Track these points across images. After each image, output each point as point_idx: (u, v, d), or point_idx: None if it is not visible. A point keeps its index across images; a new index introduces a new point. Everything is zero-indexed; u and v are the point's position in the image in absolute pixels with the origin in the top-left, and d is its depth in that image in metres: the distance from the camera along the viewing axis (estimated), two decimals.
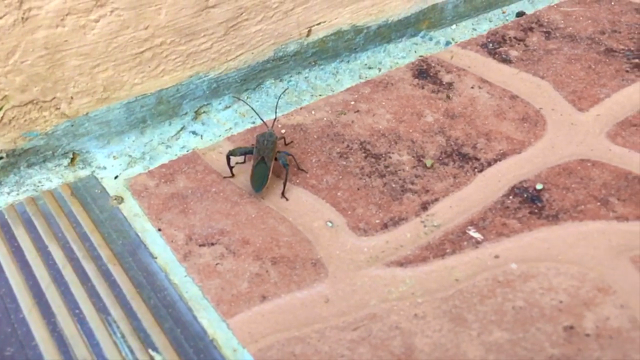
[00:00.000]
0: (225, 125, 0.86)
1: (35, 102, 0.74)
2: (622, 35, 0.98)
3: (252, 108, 0.86)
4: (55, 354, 0.58)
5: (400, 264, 0.66)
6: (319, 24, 0.90)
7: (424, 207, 0.72)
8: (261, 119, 0.82)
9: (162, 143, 0.83)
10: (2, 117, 0.73)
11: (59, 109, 0.76)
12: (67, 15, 0.71)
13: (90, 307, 0.63)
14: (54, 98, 0.75)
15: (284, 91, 0.89)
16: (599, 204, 0.71)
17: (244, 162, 0.79)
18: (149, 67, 0.79)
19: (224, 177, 0.77)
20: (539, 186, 0.73)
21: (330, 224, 0.71)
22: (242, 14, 0.83)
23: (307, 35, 0.90)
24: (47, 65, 0.72)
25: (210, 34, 0.82)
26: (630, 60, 0.92)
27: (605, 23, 1.01)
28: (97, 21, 0.73)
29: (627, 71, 0.90)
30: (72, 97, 0.76)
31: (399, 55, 0.97)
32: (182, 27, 0.79)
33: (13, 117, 0.74)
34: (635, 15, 1.02)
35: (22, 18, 0.68)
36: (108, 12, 0.73)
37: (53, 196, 0.75)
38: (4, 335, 0.60)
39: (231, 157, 0.76)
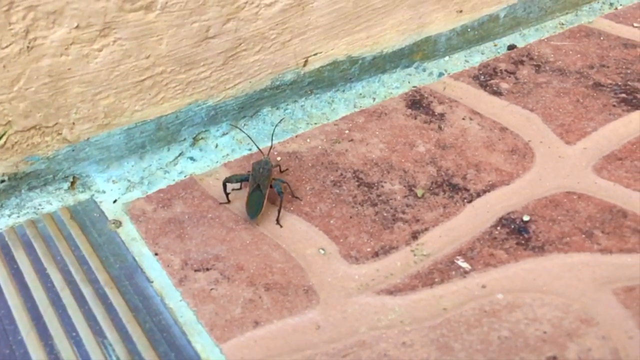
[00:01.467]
0: (222, 151, 0.88)
1: (37, 127, 0.76)
2: (610, 70, 1.00)
3: (249, 136, 0.88)
4: None
5: (390, 292, 0.68)
6: (315, 54, 0.93)
7: (414, 236, 0.74)
8: (257, 147, 0.84)
9: (161, 168, 0.85)
10: (5, 142, 0.75)
11: (61, 134, 0.78)
12: (71, 44, 0.73)
13: (87, 330, 0.64)
14: (56, 124, 0.77)
15: (281, 120, 0.91)
16: (583, 236, 0.73)
17: (240, 188, 0.81)
18: (150, 94, 0.82)
19: (220, 203, 0.79)
20: (526, 218, 0.75)
21: (322, 251, 0.73)
22: (240, 44, 0.85)
23: (304, 65, 0.93)
24: (50, 92, 0.75)
25: (209, 63, 0.84)
26: (617, 94, 0.95)
27: (594, 57, 1.04)
28: (100, 50, 0.75)
29: (614, 105, 0.93)
30: (74, 123, 0.78)
31: (393, 86, 1.00)
32: (183, 57, 0.81)
33: (16, 142, 0.76)
34: (623, 50, 1.05)
35: (28, 47, 0.71)
36: (111, 41, 0.75)
37: (53, 219, 0.77)
38: (2, 356, 0.62)
39: (227, 183, 0.78)
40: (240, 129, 0.90)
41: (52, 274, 0.70)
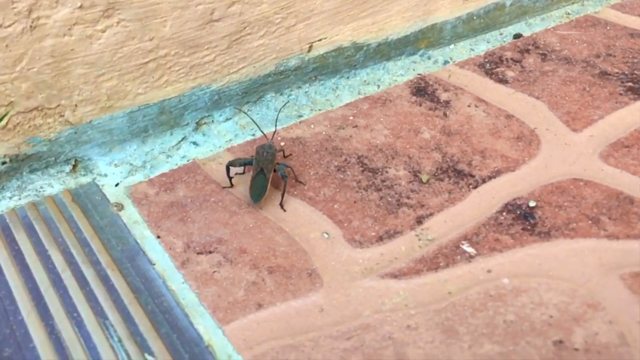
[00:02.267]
0: (225, 136, 0.87)
1: (40, 108, 0.75)
2: (616, 59, 1.00)
3: (253, 120, 0.87)
4: (52, 356, 0.59)
5: (395, 276, 0.67)
6: (320, 40, 0.92)
7: (419, 221, 0.73)
8: (261, 131, 0.84)
9: (163, 152, 0.84)
10: (6, 123, 0.74)
11: (63, 116, 0.78)
12: (74, 24, 0.72)
13: (89, 311, 0.64)
14: (58, 105, 0.76)
15: (284, 105, 0.91)
16: (590, 222, 0.72)
17: (243, 172, 0.80)
18: (153, 77, 0.81)
19: (223, 187, 0.78)
20: (532, 203, 0.75)
21: (326, 235, 0.72)
22: (245, 28, 0.84)
23: (308, 51, 0.92)
24: (53, 73, 0.74)
25: (213, 47, 0.83)
26: (623, 83, 0.94)
27: (601, 47, 1.03)
28: (103, 31, 0.74)
29: (620, 94, 0.92)
30: (76, 105, 0.78)
31: (398, 73, 0.99)
32: (187, 40, 0.81)
33: (18, 123, 0.75)
34: (629, 39, 1.05)
35: (31, 26, 0.70)
36: (114, 22, 0.75)
37: (54, 202, 0.76)
38: (2, 336, 0.61)
39: (231, 167, 0.77)
40: (245, 113, 0.89)
41: (53, 256, 0.69)
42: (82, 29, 0.73)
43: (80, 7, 0.72)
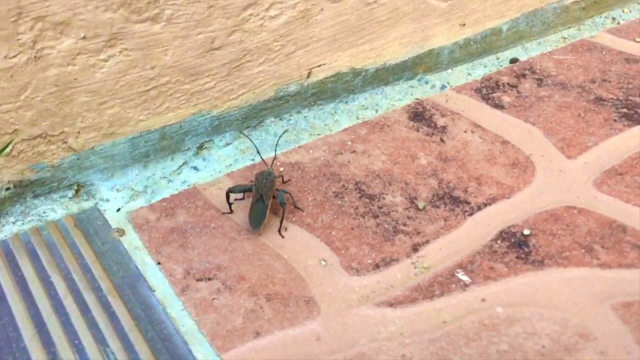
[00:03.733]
0: (225, 161, 0.89)
1: (43, 136, 0.77)
2: (611, 84, 1.01)
3: (254, 144, 0.88)
4: None
5: (390, 304, 0.68)
6: (319, 66, 0.94)
7: (415, 248, 0.75)
8: (261, 158, 0.85)
9: (164, 177, 0.86)
10: (11, 150, 0.76)
11: (66, 142, 0.79)
12: (77, 54, 0.74)
13: (90, 338, 0.65)
14: (62, 132, 0.78)
15: (284, 132, 0.92)
16: (583, 250, 0.73)
17: (243, 198, 0.82)
18: (154, 104, 0.83)
19: (223, 213, 0.80)
20: (526, 231, 0.76)
21: (324, 263, 0.73)
22: (245, 55, 0.86)
23: (307, 77, 0.94)
24: (56, 102, 0.75)
25: (214, 74, 0.85)
26: (618, 109, 0.95)
27: (596, 72, 1.04)
28: (106, 60, 0.76)
29: (615, 120, 0.93)
30: (79, 132, 0.79)
31: (396, 98, 1.01)
32: (188, 67, 0.82)
33: (22, 150, 0.77)
34: (625, 65, 1.06)
35: (35, 57, 0.72)
36: (117, 52, 0.76)
37: (57, 227, 0.78)
38: None
39: (230, 193, 0.79)
40: (247, 137, 0.91)
41: (55, 282, 0.71)
42: (86, 59, 0.75)
43: (84, 37, 0.73)
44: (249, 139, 0.91)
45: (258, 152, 0.86)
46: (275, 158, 0.85)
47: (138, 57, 0.78)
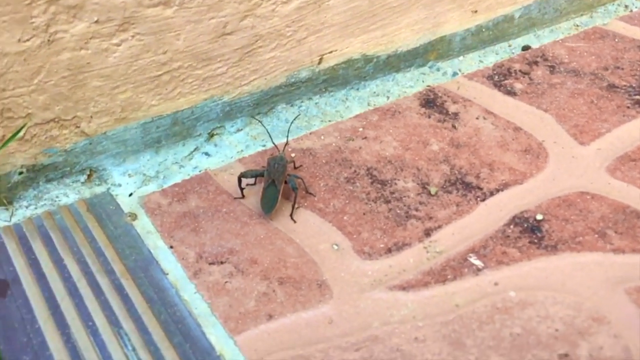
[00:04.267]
0: (237, 147, 0.89)
1: (56, 120, 0.77)
2: (624, 71, 1.01)
3: (267, 130, 0.89)
4: None
5: (403, 288, 0.68)
6: (330, 52, 0.94)
7: (427, 233, 0.75)
8: (273, 143, 0.85)
9: (176, 163, 0.86)
10: (24, 134, 0.76)
11: (79, 127, 0.79)
12: (90, 38, 0.74)
13: (103, 320, 0.65)
14: (74, 117, 0.78)
15: (296, 117, 0.92)
16: (596, 236, 0.73)
17: (254, 183, 0.82)
18: (166, 89, 0.83)
19: (235, 198, 0.80)
20: (539, 217, 0.76)
21: (336, 247, 0.73)
22: (257, 41, 0.86)
23: (319, 63, 0.93)
24: (69, 86, 0.76)
25: (226, 59, 0.85)
26: (631, 96, 0.95)
27: (609, 59, 1.04)
28: (118, 45, 0.76)
29: (628, 107, 0.93)
30: (91, 117, 0.79)
31: (407, 85, 1.00)
32: (200, 53, 0.82)
33: (35, 134, 0.77)
34: (638, 52, 1.05)
35: (48, 40, 0.72)
36: (130, 36, 0.76)
37: (69, 211, 0.78)
38: (20, 344, 0.63)
39: (242, 178, 0.79)
40: (259, 121, 0.91)
41: (69, 265, 0.71)
42: (98, 43, 0.75)
43: (97, 21, 0.73)
44: (262, 124, 0.91)
45: (270, 137, 0.86)
46: (287, 143, 0.85)
47: (150, 41, 0.78)
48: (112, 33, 0.75)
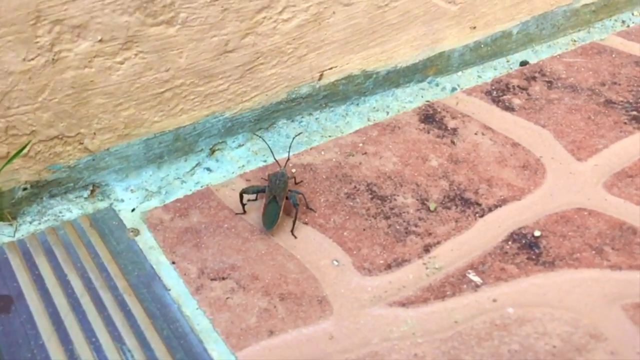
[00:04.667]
0: (238, 162, 0.90)
1: (60, 137, 0.78)
2: (621, 87, 1.02)
3: (268, 145, 0.89)
4: None
5: (402, 304, 0.69)
6: (330, 68, 0.95)
7: (427, 249, 0.75)
8: (275, 159, 0.86)
9: (178, 178, 0.87)
10: (28, 151, 0.77)
11: (82, 143, 0.80)
12: (94, 57, 0.75)
13: (107, 336, 0.66)
14: (78, 134, 0.79)
15: (298, 134, 0.93)
16: (593, 252, 0.74)
17: (256, 199, 0.83)
18: (169, 106, 0.84)
19: (236, 214, 0.81)
20: (537, 233, 0.77)
21: (336, 263, 0.74)
22: (258, 58, 0.87)
23: (319, 79, 0.95)
24: (73, 103, 0.77)
25: (227, 76, 0.86)
26: (628, 112, 0.96)
27: (606, 75, 1.05)
28: (122, 63, 0.77)
29: (625, 123, 0.94)
30: (95, 133, 0.80)
31: (407, 100, 1.02)
32: (201, 70, 0.83)
33: (39, 151, 0.78)
34: (635, 67, 1.07)
35: (53, 59, 0.73)
36: (133, 54, 0.77)
37: (73, 227, 0.79)
38: None
39: (244, 194, 0.80)
40: (260, 137, 0.92)
41: (72, 280, 0.72)
42: (102, 61, 0.76)
43: (101, 40, 0.74)
44: (263, 140, 0.92)
45: (272, 153, 0.87)
46: (288, 159, 0.86)
47: (153, 59, 0.79)
48: (115, 52, 0.76)
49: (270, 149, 0.88)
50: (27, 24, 0.69)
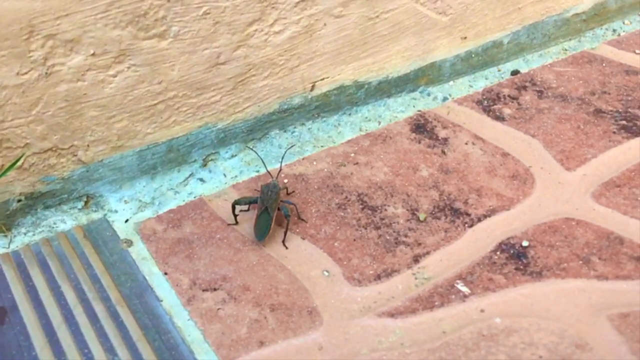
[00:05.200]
0: (231, 173, 0.91)
1: (54, 149, 0.79)
2: (611, 96, 1.03)
3: (260, 157, 0.90)
4: None
5: (391, 314, 0.70)
6: (322, 79, 0.96)
7: (416, 259, 0.76)
8: (267, 169, 0.87)
9: (171, 189, 0.88)
10: (22, 163, 0.78)
11: (76, 155, 0.81)
12: (87, 70, 0.76)
13: (99, 348, 0.67)
14: (71, 146, 0.80)
15: (291, 146, 0.94)
16: (581, 262, 0.75)
17: (248, 209, 0.83)
18: (161, 118, 0.85)
19: (228, 224, 0.82)
20: (525, 243, 0.78)
21: (326, 273, 0.75)
22: (250, 70, 0.88)
23: (311, 90, 0.96)
24: (66, 116, 0.78)
25: (219, 88, 0.87)
26: (617, 121, 0.97)
27: (596, 84, 1.06)
28: (115, 76, 0.78)
29: (614, 132, 0.95)
30: (88, 145, 0.81)
31: (398, 110, 1.03)
32: (194, 82, 0.84)
33: (33, 163, 0.79)
34: (624, 77, 1.08)
35: (46, 73, 0.74)
36: (125, 67, 0.78)
37: (67, 238, 0.80)
38: None
39: (236, 205, 0.81)
40: (252, 149, 0.93)
41: (65, 292, 0.73)
42: (95, 74, 0.77)
43: (93, 54, 0.75)
44: (255, 152, 0.93)
45: (264, 165, 0.88)
46: (280, 170, 0.87)
47: (146, 72, 0.80)
48: (108, 65, 0.77)
49: (262, 161, 0.89)
50: (21, 38, 0.70)
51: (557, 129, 0.96)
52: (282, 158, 0.90)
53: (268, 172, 0.87)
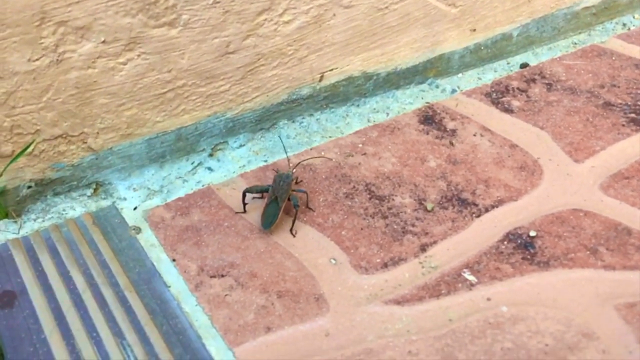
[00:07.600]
0: (239, 162, 0.91)
1: (64, 136, 0.80)
2: (620, 89, 1.02)
3: (284, 146, 0.92)
4: None
5: (398, 302, 0.70)
6: (331, 70, 0.96)
7: (423, 248, 0.76)
8: (287, 157, 0.88)
9: (180, 177, 0.88)
10: (33, 150, 0.79)
11: (86, 143, 0.82)
12: (98, 58, 0.77)
13: (107, 331, 0.67)
14: (81, 133, 0.81)
15: (298, 140, 0.94)
16: (588, 252, 0.75)
17: (262, 197, 0.84)
18: (171, 106, 0.85)
19: (236, 213, 0.82)
20: (532, 233, 0.77)
21: (333, 261, 0.75)
22: (259, 59, 0.88)
23: (320, 80, 0.96)
24: (77, 103, 0.78)
25: (229, 77, 0.87)
26: (626, 114, 0.97)
27: (605, 77, 1.06)
28: (125, 64, 0.79)
29: (623, 125, 0.94)
30: (98, 133, 0.82)
31: (407, 101, 1.03)
32: (203, 71, 0.85)
33: (43, 150, 0.79)
34: (634, 70, 1.07)
35: (57, 60, 0.74)
36: (136, 55, 0.79)
37: (76, 224, 0.81)
38: (26, 354, 0.65)
39: (247, 193, 0.81)
40: (280, 139, 0.93)
41: (74, 277, 0.73)
42: (105, 62, 0.77)
43: (104, 41, 0.76)
44: (281, 140, 0.93)
45: (286, 152, 0.89)
46: (288, 160, 0.88)
47: (155, 60, 0.80)
48: (118, 52, 0.78)
49: (285, 151, 0.90)
50: (32, 25, 0.71)
51: (566, 121, 0.96)
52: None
53: (288, 159, 0.87)
